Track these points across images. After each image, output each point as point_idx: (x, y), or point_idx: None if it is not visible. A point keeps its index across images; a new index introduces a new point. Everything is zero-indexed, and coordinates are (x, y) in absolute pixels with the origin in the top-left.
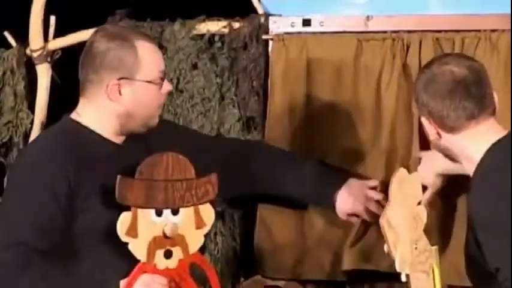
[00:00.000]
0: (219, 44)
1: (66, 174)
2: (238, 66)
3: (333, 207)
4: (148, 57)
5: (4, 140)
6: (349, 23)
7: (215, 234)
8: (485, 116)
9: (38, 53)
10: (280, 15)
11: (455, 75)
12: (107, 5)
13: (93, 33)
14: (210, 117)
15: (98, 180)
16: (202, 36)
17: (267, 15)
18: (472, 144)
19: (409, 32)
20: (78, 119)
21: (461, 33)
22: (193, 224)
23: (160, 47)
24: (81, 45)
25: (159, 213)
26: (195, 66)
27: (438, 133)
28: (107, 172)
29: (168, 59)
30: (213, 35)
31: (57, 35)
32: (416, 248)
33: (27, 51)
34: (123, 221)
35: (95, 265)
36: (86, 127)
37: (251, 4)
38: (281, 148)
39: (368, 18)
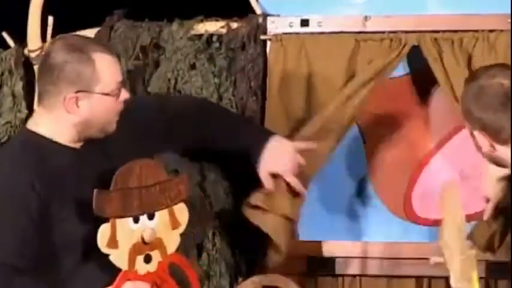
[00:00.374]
0: (217, 45)
1: (35, 191)
2: (236, 67)
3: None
4: (106, 70)
5: (3, 141)
6: (347, 23)
7: (213, 234)
8: None
9: (36, 53)
10: (278, 16)
11: (505, 88)
12: (104, 5)
13: (50, 44)
14: None
15: (66, 189)
16: (200, 36)
17: (265, 15)
18: None
19: (407, 32)
20: (36, 129)
21: (459, 33)
22: (169, 226)
23: (158, 47)
24: None
25: (136, 220)
26: (193, 67)
27: (492, 145)
28: (72, 178)
29: (166, 59)
30: (211, 35)
31: (55, 35)
32: (463, 260)
33: (25, 51)
34: (103, 233)
35: (77, 276)
36: (44, 137)
37: (249, 4)
38: (225, 108)
39: (366, 18)
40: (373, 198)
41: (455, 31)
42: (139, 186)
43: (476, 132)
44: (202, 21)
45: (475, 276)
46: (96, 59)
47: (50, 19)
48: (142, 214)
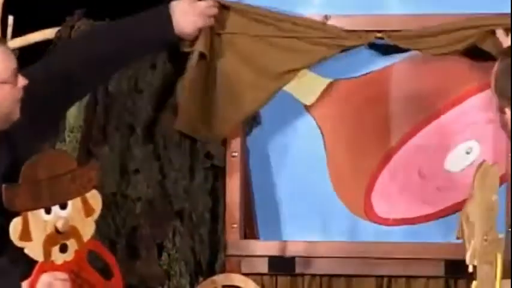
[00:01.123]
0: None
1: None
2: None
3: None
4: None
5: None
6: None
7: (173, 234)
8: None
9: None
10: None
11: None
12: (65, 4)
13: None
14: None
15: None
16: None
17: None
18: None
19: (366, 31)
20: None
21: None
22: (82, 213)
23: None
24: (39, 44)
25: (48, 211)
26: (153, 66)
27: None
28: None
29: None
30: None
31: (15, 34)
32: (486, 240)
33: None
34: (15, 227)
35: None
36: None
37: None
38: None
39: (326, 17)
40: (334, 199)
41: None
42: (48, 176)
43: (507, 110)
44: None
45: (498, 259)
46: None
47: (10, 18)
48: (54, 204)
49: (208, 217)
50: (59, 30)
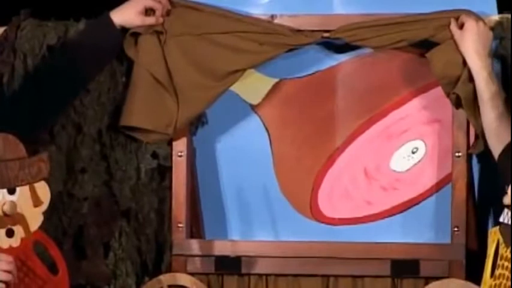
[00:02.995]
0: None
1: None
2: None
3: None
4: None
5: None
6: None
7: (120, 234)
8: None
9: None
10: None
11: None
12: (11, 4)
13: None
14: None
15: None
16: None
17: None
18: None
19: (312, 31)
20: None
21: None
22: (30, 203)
23: None
24: None
25: None
26: None
27: None
28: None
29: None
30: None
31: None
32: None
33: None
34: None
35: None
36: None
37: None
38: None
39: (272, 17)
40: (280, 198)
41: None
42: None
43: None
44: None
45: None
46: None
47: None
48: (3, 188)
49: (154, 217)
50: (4, 30)
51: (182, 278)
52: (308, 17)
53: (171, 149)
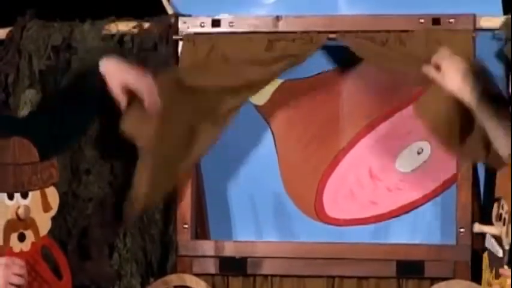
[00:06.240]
0: (129, 45)
1: None
2: (148, 67)
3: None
4: None
5: None
6: (259, 23)
7: (124, 234)
8: None
9: None
10: (189, 16)
11: None
12: (16, 5)
13: None
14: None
15: None
16: (112, 36)
17: (177, 15)
18: None
19: (318, 32)
20: None
21: (370, 34)
22: (41, 207)
23: (70, 47)
24: None
25: (10, 197)
26: None
27: None
28: None
29: (78, 59)
30: (123, 36)
31: None
32: None
33: None
34: None
35: None
36: None
37: (161, 4)
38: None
39: (278, 18)
40: (285, 199)
41: (366, 31)
42: (13, 163)
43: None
44: (114, 21)
45: None
46: None
47: None
48: (17, 191)
49: (159, 217)
50: (10, 31)
51: (187, 279)
52: (313, 18)
53: None
